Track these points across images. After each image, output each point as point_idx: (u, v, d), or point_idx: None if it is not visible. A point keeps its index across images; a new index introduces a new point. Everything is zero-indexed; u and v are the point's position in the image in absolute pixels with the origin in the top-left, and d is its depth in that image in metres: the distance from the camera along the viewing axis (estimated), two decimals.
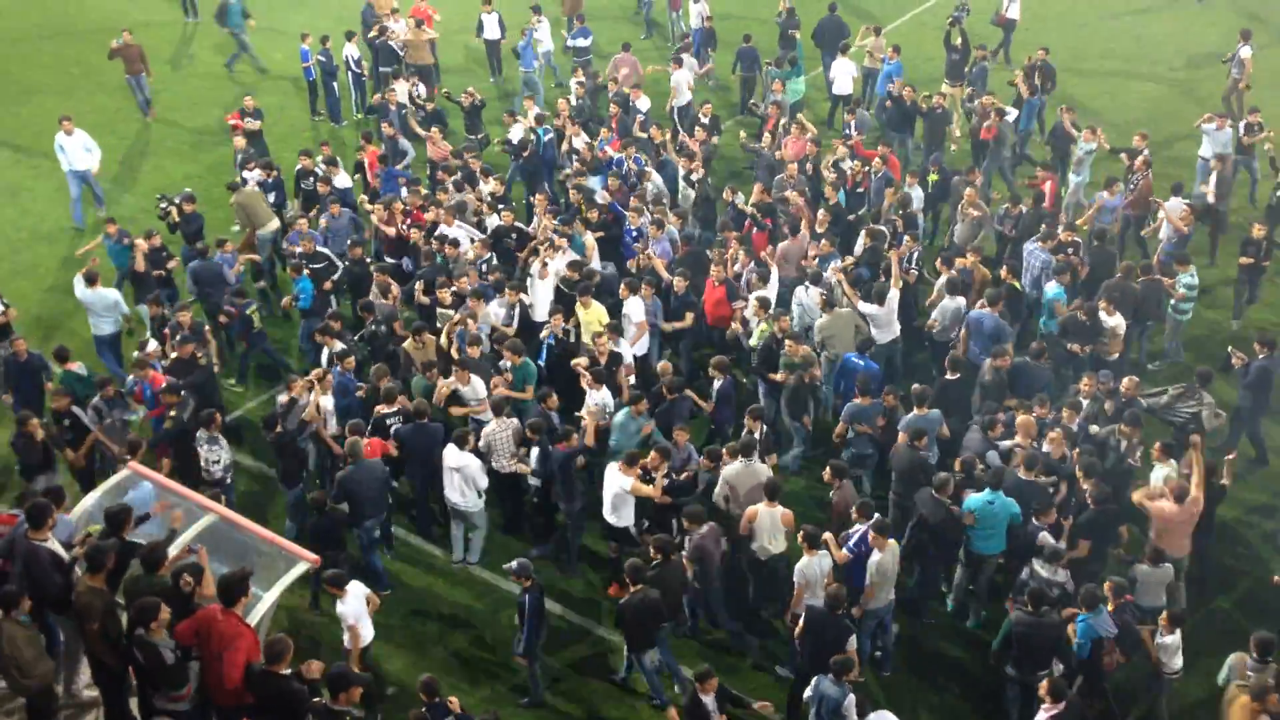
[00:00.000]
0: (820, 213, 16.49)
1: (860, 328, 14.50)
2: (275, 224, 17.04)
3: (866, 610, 11.23)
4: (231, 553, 10.96)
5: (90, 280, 14.89)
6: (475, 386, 13.40)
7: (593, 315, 14.62)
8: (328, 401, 13.25)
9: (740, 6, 27.27)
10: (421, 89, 21.05)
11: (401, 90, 20.97)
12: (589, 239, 16.25)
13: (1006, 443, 12.44)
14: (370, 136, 19.11)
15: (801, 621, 10.60)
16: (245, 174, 18.05)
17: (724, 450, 12.21)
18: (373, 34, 23.14)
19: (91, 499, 11.56)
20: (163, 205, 16.95)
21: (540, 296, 15.33)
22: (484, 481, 12.61)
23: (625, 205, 16.79)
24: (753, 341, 14.54)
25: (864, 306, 14.59)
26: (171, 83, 24.81)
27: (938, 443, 13.03)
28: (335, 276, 15.74)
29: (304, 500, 12.71)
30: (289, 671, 9.48)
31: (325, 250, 15.87)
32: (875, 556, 11.01)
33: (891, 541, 11.12)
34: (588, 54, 23.24)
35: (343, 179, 17.82)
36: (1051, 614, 10.56)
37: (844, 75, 21.87)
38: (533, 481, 12.86)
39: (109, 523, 10.73)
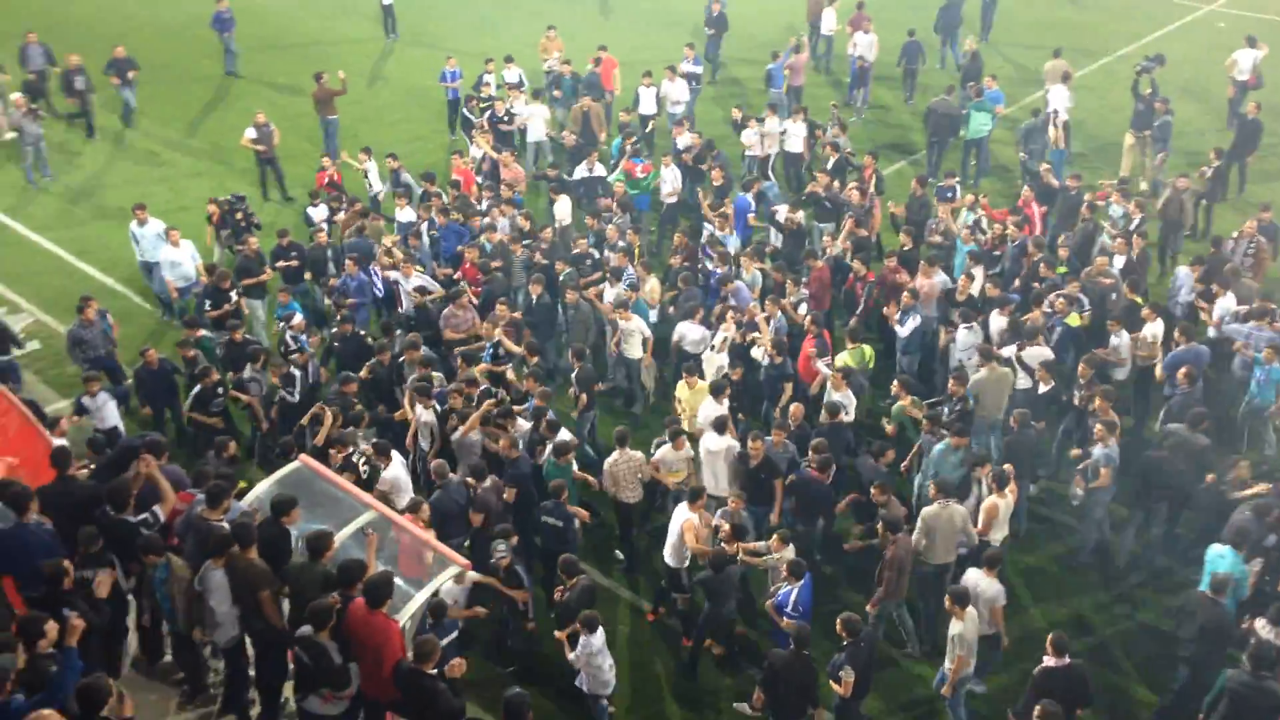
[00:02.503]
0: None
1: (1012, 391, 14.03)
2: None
3: (959, 679, 10.88)
4: (384, 550, 11.26)
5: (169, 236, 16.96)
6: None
7: (697, 397, 13.68)
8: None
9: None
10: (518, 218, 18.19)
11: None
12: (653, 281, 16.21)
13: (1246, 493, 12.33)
14: (461, 153, 20.35)
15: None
16: (310, 210, 18.47)
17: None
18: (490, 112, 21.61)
19: (262, 487, 11.95)
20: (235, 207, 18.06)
21: (712, 366, 14.70)
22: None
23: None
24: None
25: (1014, 351, 14.28)
26: (366, 97, 26.06)
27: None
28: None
29: None
30: (435, 671, 9.75)
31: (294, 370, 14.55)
32: (956, 628, 10.64)
33: (970, 610, 10.70)
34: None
35: (407, 213, 17.98)
36: (1272, 679, 10.01)
37: (1061, 100, 21.50)
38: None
39: (274, 510, 11.22)
